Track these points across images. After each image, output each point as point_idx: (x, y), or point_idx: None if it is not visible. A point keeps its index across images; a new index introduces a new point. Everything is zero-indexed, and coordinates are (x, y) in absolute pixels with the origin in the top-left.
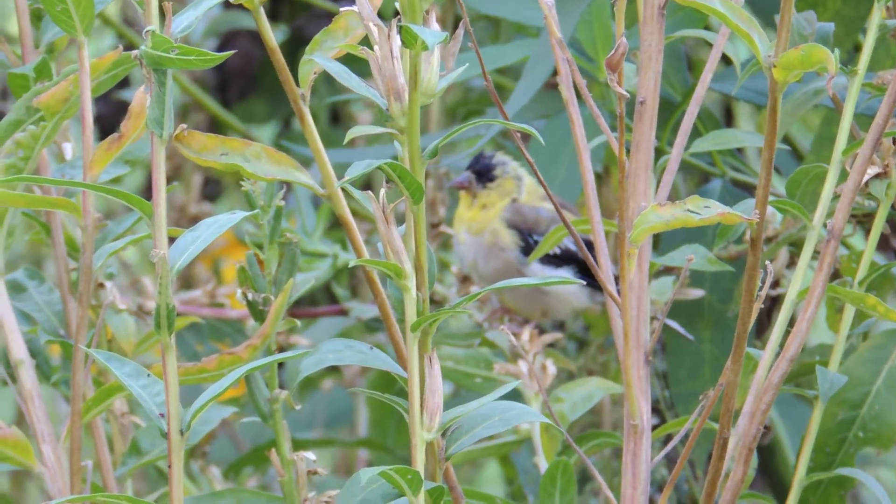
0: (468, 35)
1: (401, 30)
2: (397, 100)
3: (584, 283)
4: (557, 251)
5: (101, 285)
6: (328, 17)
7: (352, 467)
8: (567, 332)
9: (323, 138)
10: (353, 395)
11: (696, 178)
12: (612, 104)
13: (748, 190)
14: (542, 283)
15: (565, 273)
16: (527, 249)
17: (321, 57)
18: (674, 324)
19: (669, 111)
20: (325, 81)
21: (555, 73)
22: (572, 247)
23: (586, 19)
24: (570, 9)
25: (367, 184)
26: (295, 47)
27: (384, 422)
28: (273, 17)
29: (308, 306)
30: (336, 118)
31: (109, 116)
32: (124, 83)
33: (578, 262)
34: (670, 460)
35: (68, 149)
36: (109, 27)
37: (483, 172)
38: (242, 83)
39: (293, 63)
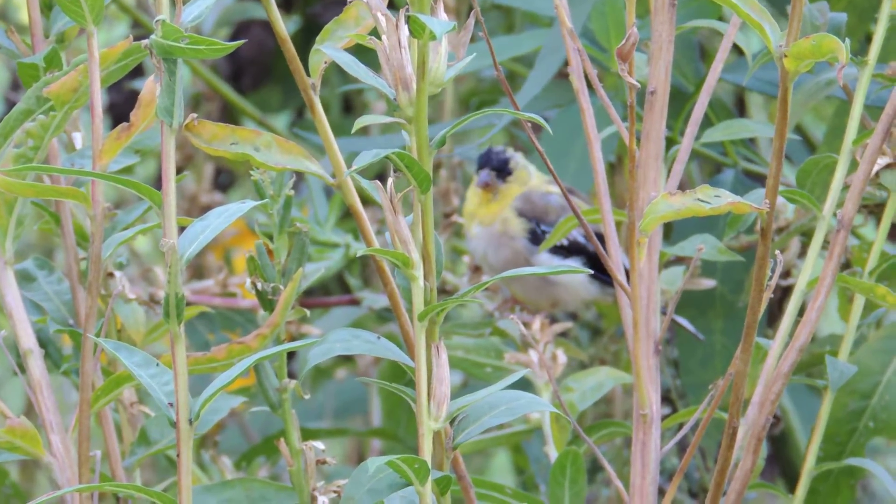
0: (479, 25)
1: (408, 19)
2: (405, 89)
3: (592, 272)
4: (565, 242)
5: (111, 275)
6: (344, 4)
7: (364, 457)
8: (579, 322)
9: (335, 128)
10: (365, 384)
11: (710, 168)
12: (624, 94)
13: (760, 180)
14: (550, 272)
15: (573, 263)
16: (535, 239)
17: (330, 47)
18: (683, 321)
19: (682, 101)
20: (338, 71)
21: (566, 63)
22: (581, 239)
23: (599, 9)
24: None
25: (380, 173)
26: (310, 36)
27: (396, 411)
28: (286, 6)
29: (321, 296)
30: (349, 107)
31: (121, 106)
32: (138, 72)
33: (587, 254)
34: (681, 450)
35: (78, 138)
36: (123, 16)
37: (501, 168)
38: (256, 72)
39: (309, 52)
